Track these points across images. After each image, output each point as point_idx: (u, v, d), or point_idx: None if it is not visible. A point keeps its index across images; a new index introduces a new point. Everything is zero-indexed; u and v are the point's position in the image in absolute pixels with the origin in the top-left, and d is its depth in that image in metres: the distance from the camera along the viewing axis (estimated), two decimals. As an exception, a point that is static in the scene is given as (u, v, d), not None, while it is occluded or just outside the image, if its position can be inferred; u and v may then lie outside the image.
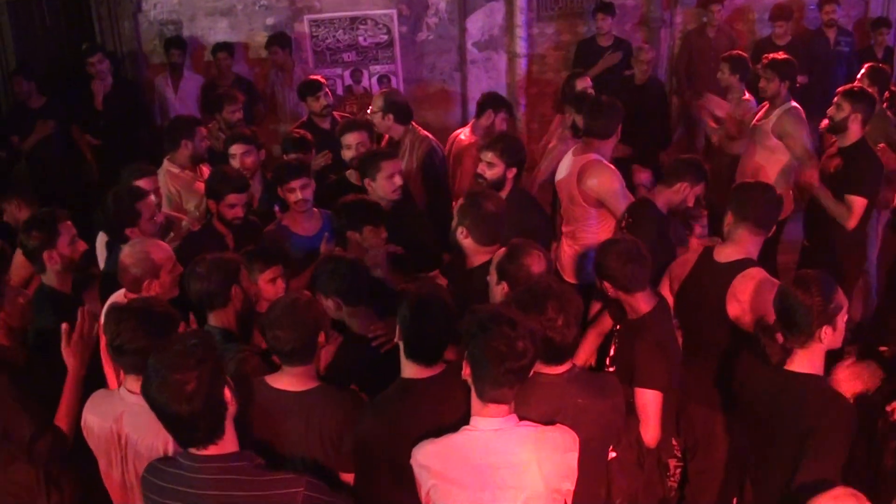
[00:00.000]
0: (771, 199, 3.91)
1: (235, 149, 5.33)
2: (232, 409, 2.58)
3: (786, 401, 3.13)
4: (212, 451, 2.55)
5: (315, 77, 6.80)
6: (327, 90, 6.49)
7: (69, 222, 4.03)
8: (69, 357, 3.33)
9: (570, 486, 2.78)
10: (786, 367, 3.14)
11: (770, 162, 5.93)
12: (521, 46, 8.73)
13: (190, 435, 2.54)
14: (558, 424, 2.81)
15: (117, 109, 7.49)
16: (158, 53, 8.43)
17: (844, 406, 3.07)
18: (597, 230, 4.94)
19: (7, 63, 8.05)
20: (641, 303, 3.57)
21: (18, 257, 4.55)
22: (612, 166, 5.00)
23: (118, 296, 3.77)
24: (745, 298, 3.70)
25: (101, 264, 4.65)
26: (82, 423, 3.14)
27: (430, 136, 5.84)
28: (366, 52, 8.70)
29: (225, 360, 2.77)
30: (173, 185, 5.40)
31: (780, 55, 6.18)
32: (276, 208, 5.14)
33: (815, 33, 8.74)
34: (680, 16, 9.02)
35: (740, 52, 7.11)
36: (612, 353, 3.88)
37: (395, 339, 3.05)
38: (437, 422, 2.88)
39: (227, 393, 2.57)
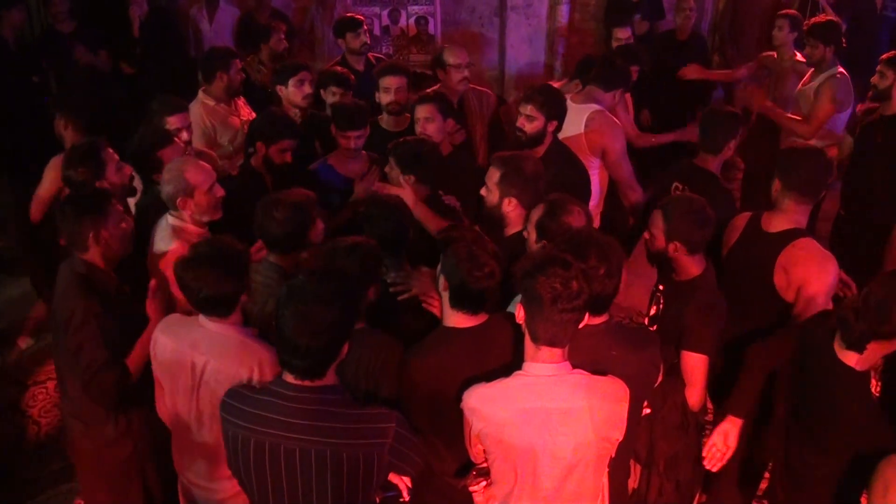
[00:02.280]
0: (820, 166, 3.81)
1: (304, 75, 5.23)
2: (341, 358, 2.62)
3: (840, 395, 3.13)
4: (308, 382, 2.58)
5: (353, 14, 6.68)
6: (366, 28, 6.38)
7: (109, 148, 4.00)
8: (151, 310, 3.37)
9: (619, 435, 2.80)
10: (846, 361, 3.09)
11: (813, 127, 5.83)
12: (563, -8, 8.55)
13: (296, 364, 2.56)
14: (610, 375, 2.81)
15: (152, 38, 7.37)
16: (194, -19, 8.30)
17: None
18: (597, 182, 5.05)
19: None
20: (694, 265, 3.55)
21: (52, 172, 4.55)
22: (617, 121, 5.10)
23: (164, 219, 3.81)
24: (792, 270, 3.64)
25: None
26: (152, 343, 3.16)
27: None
28: (405, -9, 8.59)
29: None
30: (209, 118, 5.37)
31: (822, 18, 6.08)
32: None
33: (862, -5, 8.51)
34: (726, -33, 8.75)
35: (794, 10, 6.96)
36: (652, 312, 3.84)
37: (440, 289, 3.06)
38: (481, 370, 2.90)
39: (346, 347, 2.61)
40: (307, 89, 5.22)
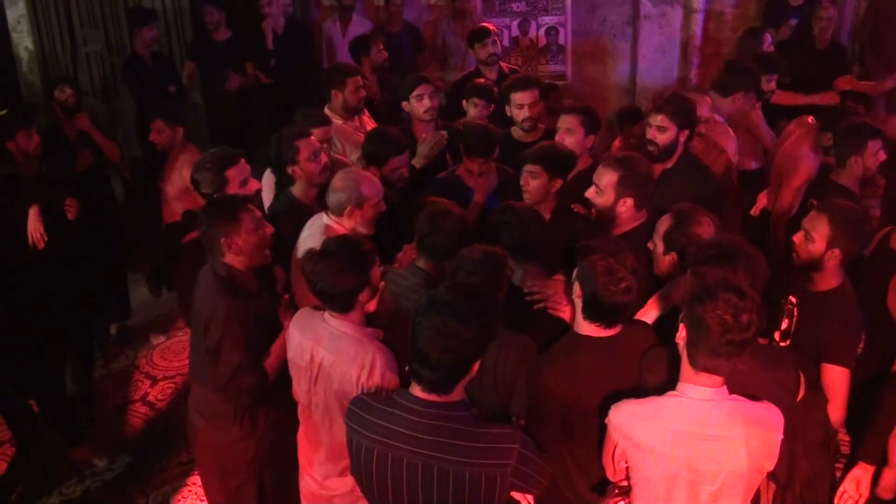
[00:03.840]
0: None
1: (423, 89, 5.18)
2: (471, 376, 2.56)
3: None
4: (434, 397, 2.54)
5: (485, 24, 6.68)
6: (496, 38, 6.34)
7: (240, 162, 4.06)
8: (284, 319, 3.51)
9: (771, 465, 2.62)
10: None
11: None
12: (698, 1, 8.26)
13: (425, 375, 2.51)
14: (765, 401, 2.64)
15: (287, 50, 7.57)
16: (331, -5, 8.49)
17: None
18: None
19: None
20: (837, 276, 3.37)
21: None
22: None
23: (319, 218, 3.87)
24: None
25: (266, 202, 4.68)
26: (288, 335, 3.29)
27: None
28: (535, 2, 8.52)
29: None
30: (336, 134, 5.37)
31: None
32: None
33: None
34: (870, -26, 8.31)
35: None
36: (783, 326, 3.60)
37: (573, 296, 2.98)
38: (615, 382, 2.83)
39: (477, 365, 2.56)
40: (428, 103, 5.14)
